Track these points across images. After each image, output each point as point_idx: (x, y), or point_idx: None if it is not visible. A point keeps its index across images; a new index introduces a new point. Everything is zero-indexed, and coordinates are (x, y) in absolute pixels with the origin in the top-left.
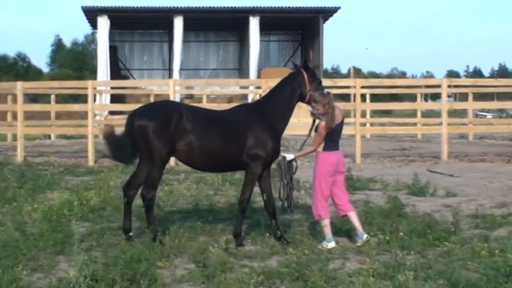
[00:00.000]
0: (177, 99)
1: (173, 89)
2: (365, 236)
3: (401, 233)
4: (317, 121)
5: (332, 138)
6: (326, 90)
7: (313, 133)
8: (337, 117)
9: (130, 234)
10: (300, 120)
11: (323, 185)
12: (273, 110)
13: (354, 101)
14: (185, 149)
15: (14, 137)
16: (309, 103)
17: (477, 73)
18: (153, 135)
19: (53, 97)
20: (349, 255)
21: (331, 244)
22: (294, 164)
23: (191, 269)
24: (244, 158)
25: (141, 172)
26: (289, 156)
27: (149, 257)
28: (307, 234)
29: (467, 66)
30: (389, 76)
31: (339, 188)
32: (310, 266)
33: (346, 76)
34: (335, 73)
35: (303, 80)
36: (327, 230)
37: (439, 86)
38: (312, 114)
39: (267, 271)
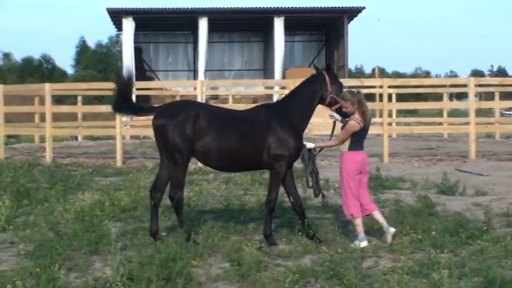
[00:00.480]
0: (203, 100)
1: (201, 89)
2: (391, 229)
3: (433, 232)
4: (337, 123)
5: (358, 138)
6: (356, 89)
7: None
8: (367, 117)
9: (158, 236)
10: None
11: (351, 184)
12: (293, 111)
13: (380, 100)
14: (202, 149)
15: (41, 138)
16: (329, 105)
17: (501, 72)
18: (172, 134)
19: (79, 98)
20: (382, 253)
21: (364, 243)
22: (315, 152)
23: (226, 268)
24: (266, 158)
25: (164, 173)
26: (309, 145)
27: (184, 256)
28: (339, 232)
29: (492, 66)
30: (414, 76)
31: (363, 188)
32: (344, 264)
33: (371, 76)
34: (359, 73)
35: (325, 82)
36: (360, 229)
37: (465, 86)
38: (331, 116)
39: (302, 270)
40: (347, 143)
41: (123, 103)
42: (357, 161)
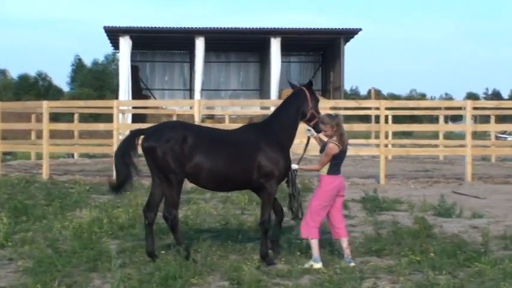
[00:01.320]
0: (199, 120)
1: (198, 109)
2: (352, 263)
3: (431, 253)
4: (311, 140)
5: (337, 161)
6: (335, 112)
7: (312, 152)
8: (345, 140)
9: (155, 255)
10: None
11: (321, 207)
12: (280, 129)
13: (376, 122)
14: (192, 171)
15: (38, 155)
16: (308, 121)
17: (496, 95)
18: (162, 156)
19: (76, 116)
20: (381, 274)
21: (319, 265)
22: (295, 173)
23: (225, 287)
24: (257, 177)
25: (156, 191)
26: (294, 166)
27: (183, 274)
28: (338, 253)
29: (487, 88)
30: (409, 97)
31: (337, 211)
32: (343, 285)
33: (366, 97)
34: (354, 94)
35: (306, 98)
36: (316, 250)
37: (460, 108)
38: (308, 131)
39: None
40: (326, 167)
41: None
42: (335, 185)
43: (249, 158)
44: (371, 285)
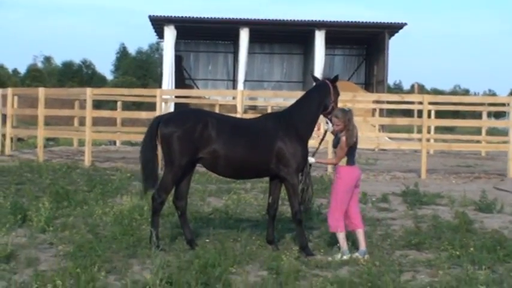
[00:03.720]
0: (242, 110)
1: (241, 99)
2: (366, 255)
3: (471, 248)
4: (328, 133)
5: (352, 153)
6: (347, 106)
7: (323, 145)
8: (355, 132)
9: (195, 242)
10: (364, 134)
11: (344, 199)
12: (300, 120)
13: (418, 116)
14: (209, 157)
15: (80, 142)
16: (329, 115)
17: None
18: (177, 143)
19: (119, 104)
20: (420, 268)
21: (347, 256)
22: (311, 167)
23: (263, 276)
24: (274, 167)
25: (182, 180)
26: (311, 160)
27: (222, 262)
28: (377, 245)
29: None
30: (452, 93)
31: (354, 202)
32: (382, 277)
33: (409, 91)
34: (397, 88)
35: (329, 91)
36: (344, 243)
37: (504, 105)
38: (327, 124)
39: (340, 280)
40: (344, 158)
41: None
42: (354, 176)
43: (267, 147)
44: (410, 278)
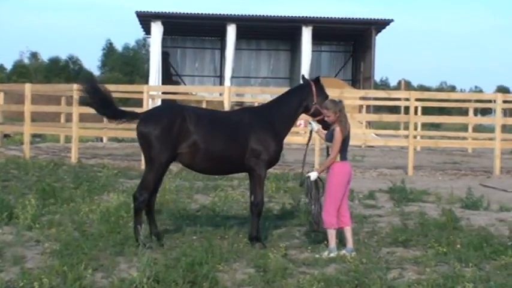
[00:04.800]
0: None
1: (228, 96)
2: (353, 252)
3: (458, 246)
4: (313, 133)
5: (344, 147)
6: (337, 98)
7: (313, 142)
8: (348, 125)
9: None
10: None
11: (338, 195)
12: (276, 116)
13: (405, 113)
14: (188, 151)
15: (67, 139)
16: (312, 116)
17: None
18: (156, 141)
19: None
20: (407, 265)
21: (335, 253)
22: (320, 183)
23: (251, 274)
24: (247, 160)
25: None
26: (313, 175)
27: (209, 260)
28: (364, 243)
29: None
30: (439, 90)
31: (345, 199)
32: (369, 274)
33: (396, 88)
34: (384, 85)
35: (311, 92)
36: (333, 240)
37: (490, 101)
38: (309, 124)
39: (327, 278)
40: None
41: (106, 107)
42: (347, 171)
43: (243, 140)
44: (397, 275)
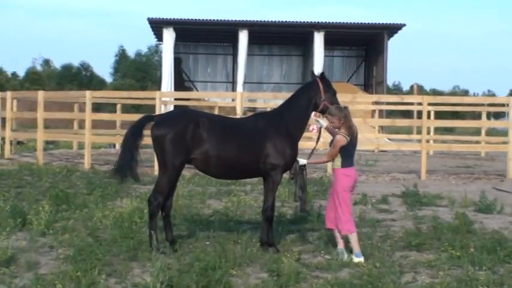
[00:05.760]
0: (241, 112)
1: (240, 101)
2: (345, 255)
3: (471, 249)
4: (323, 131)
5: (349, 153)
6: (344, 104)
7: (322, 145)
8: (354, 132)
9: (175, 244)
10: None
11: (347, 200)
12: (290, 119)
13: (418, 117)
14: (201, 157)
15: (79, 145)
16: (322, 112)
17: None
18: (170, 144)
19: (118, 106)
20: (420, 269)
21: (361, 259)
22: (304, 168)
23: (264, 278)
24: (263, 166)
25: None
26: (302, 161)
27: (222, 265)
28: (377, 247)
29: None
30: (452, 94)
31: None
32: (383, 278)
33: (408, 92)
34: (396, 89)
35: (318, 89)
36: (356, 244)
37: (503, 105)
38: (317, 122)
39: (340, 282)
40: (339, 160)
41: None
42: (352, 177)
43: (257, 146)
44: (410, 279)
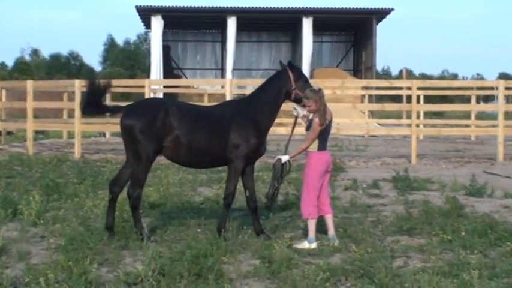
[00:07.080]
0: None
1: (230, 88)
2: (336, 241)
3: (462, 233)
4: (299, 120)
5: (324, 136)
6: (317, 86)
7: (297, 132)
8: (328, 114)
9: (113, 231)
10: (353, 121)
11: (316, 184)
12: (258, 108)
13: (407, 102)
14: (172, 145)
15: (69, 134)
16: (296, 102)
17: None
18: (140, 134)
19: (108, 95)
20: (412, 253)
21: (314, 245)
22: (287, 165)
23: (256, 265)
24: (228, 153)
25: (127, 170)
26: (284, 158)
27: (214, 252)
28: (368, 232)
29: None
30: (441, 78)
31: (324, 187)
32: (374, 263)
33: (398, 77)
34: (385, 74)
35: (288, 78)
36: (312, 230)
37: (493, 88)
38: (294, 110)
39: (332, 268)
40: (315, 143)
41: (90, 104)
42: (324, 161)
43: (224, 133)
44: (402, 264)
